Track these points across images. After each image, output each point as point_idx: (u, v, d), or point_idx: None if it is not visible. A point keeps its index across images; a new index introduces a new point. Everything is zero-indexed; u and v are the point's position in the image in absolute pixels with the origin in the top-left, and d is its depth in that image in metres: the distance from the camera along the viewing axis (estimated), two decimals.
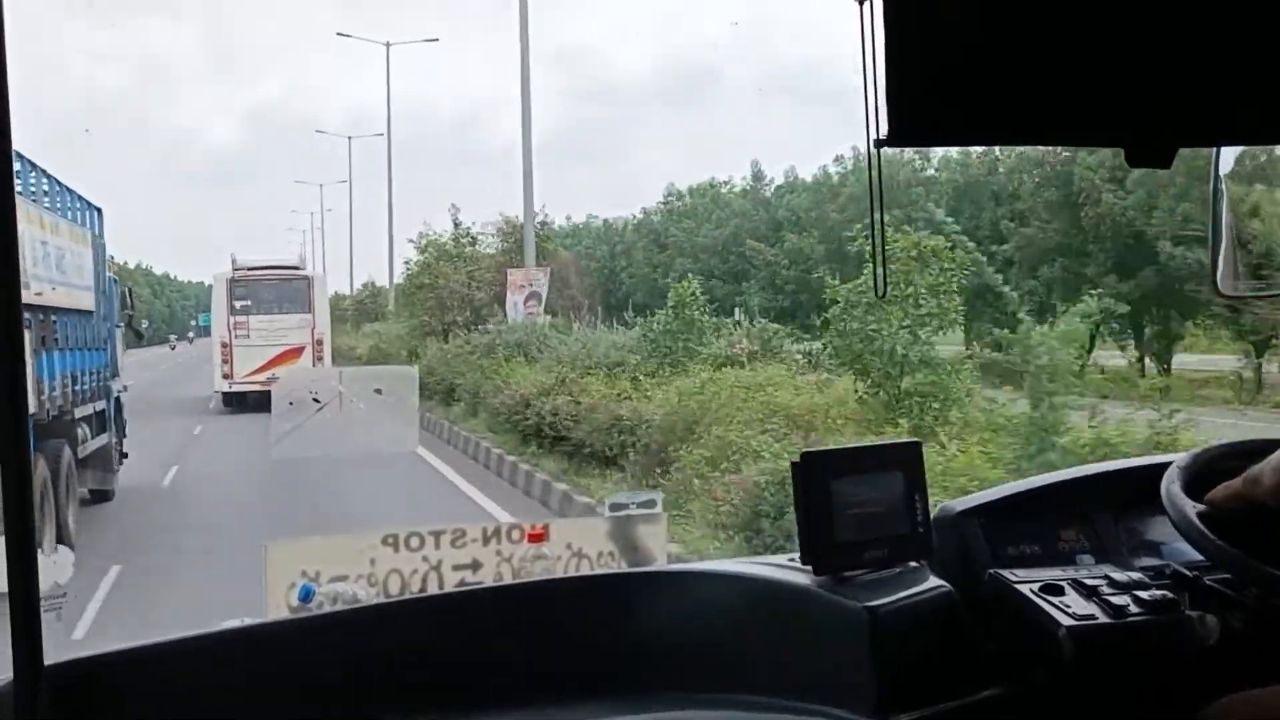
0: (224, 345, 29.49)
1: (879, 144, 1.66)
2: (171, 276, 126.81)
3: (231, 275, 30.70)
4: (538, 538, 2.79)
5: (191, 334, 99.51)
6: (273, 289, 30.21)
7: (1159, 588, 2.26)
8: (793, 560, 2.33)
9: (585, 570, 2.82)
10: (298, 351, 29.18)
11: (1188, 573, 2.28)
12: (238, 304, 29.87)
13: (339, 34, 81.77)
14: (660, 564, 2.81)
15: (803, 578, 2.28)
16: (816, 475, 2.26)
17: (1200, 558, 2.22)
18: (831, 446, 2.39)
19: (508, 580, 2.81)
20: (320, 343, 30.19)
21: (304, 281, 31.06)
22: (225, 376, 29.13)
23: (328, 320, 32.13)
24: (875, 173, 1.84)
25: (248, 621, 2.38)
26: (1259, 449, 2.39)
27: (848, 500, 2.26)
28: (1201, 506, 2.19)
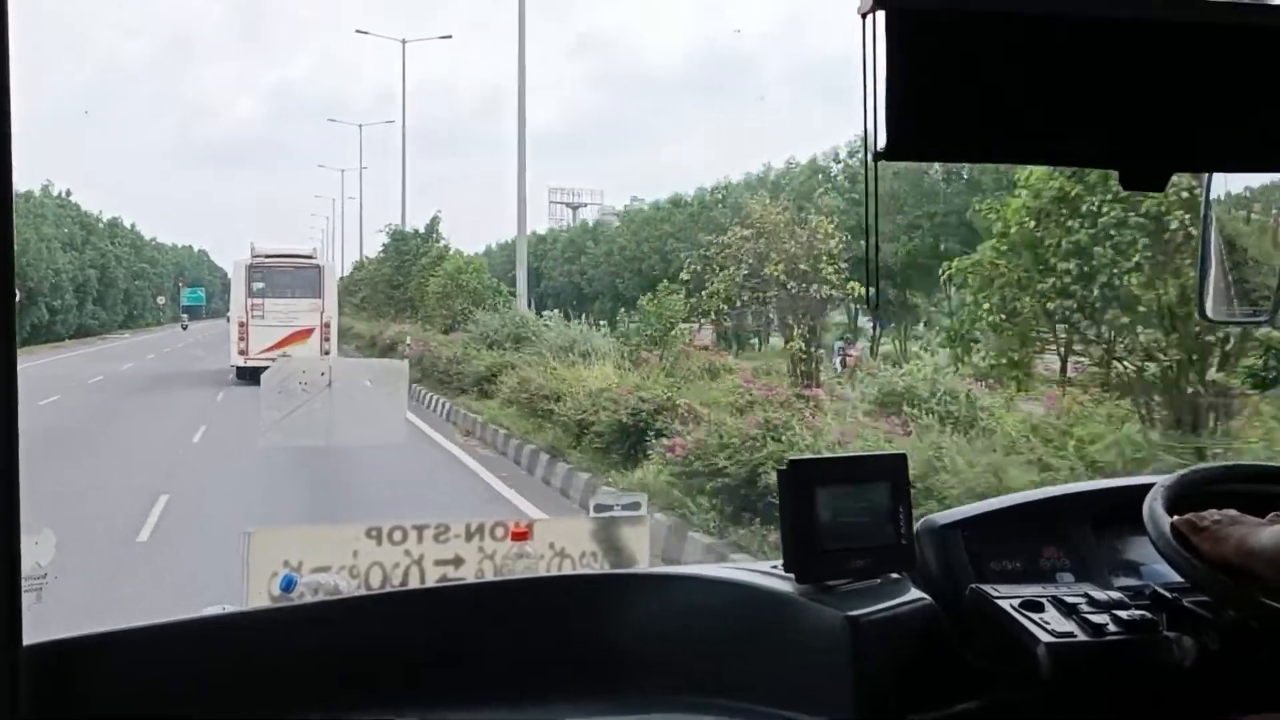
0: (241, 324, 30.24)
1: (877, 157, 1.57)
2: (127, 225, 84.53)
3: (250, 261, 31.40)
4: (521, 536, 2.65)
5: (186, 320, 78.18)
6: (287, 275, 31.01)
7: (1138, 608, 2.13)
8: (776, 567, 2.20)
9: (567, 570, 2.70)
10: (307, 333, 29.97)
11: (1167, 594, 2.15)
12: (255, 286, 30.66)
13: (358, 31, 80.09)
14: (642, 566, 2.68)
15: (785, 585, 2.15)
16: (803, 483, 2.13)
17: (1179, 579, 2.09)
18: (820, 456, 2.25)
19: (489, 577, 2.69)
20: (328, 325, 30.90)
21: (315, 270, 31.80)
22: (241, 353, 29.69)
23: (335, 305, 32.76)
24: (872, 185, 1.74)
25: (229, 609, 2.26)
26: (1245, 474, 2.28)
27: (833, 509, 2.13)
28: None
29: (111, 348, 55.60)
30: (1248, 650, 2.07)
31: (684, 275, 19.60)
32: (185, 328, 71.66)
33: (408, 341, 31.71)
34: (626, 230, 55.80)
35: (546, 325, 27.07)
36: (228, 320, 34.69)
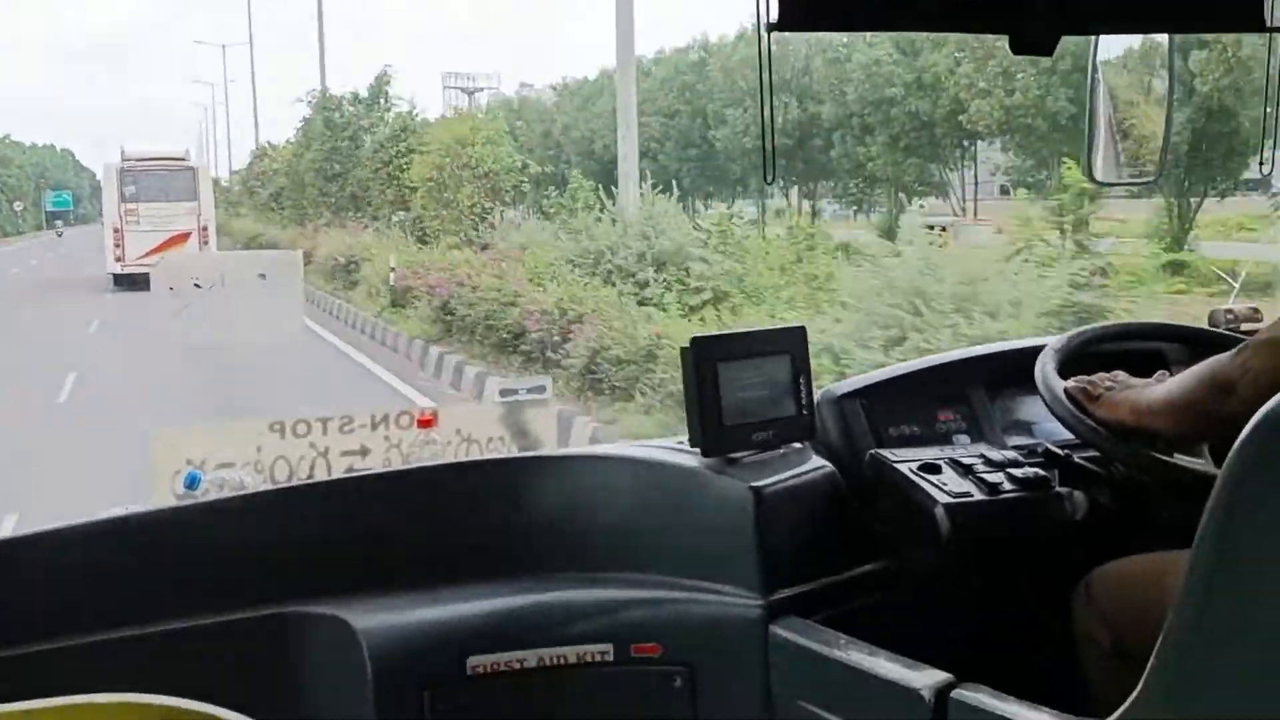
0: (116, 230, 29.74)
1: (770, 28, 1.56)
2: None
3: (121, 165, 30.84)
4: (427, 424, 2.64)
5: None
6: (159, 178, 30.50)
7: (1031, 466, 2.19)
8: (681, 443, 2.21)
9: (475, 455, 2.70)
10: (184, 236, 29.57)
11: (1059, 451, 2.22)
12: (127, 191, 30.13)
13: None
14: (550, 448, 2.69)
15: (691, 460, 2.16)
16: (705, 359, 2.14)
17: (1070, 437, 2.16)
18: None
19: (397, 466, 2.68)
20: (205, 229, 30.35)
21: (189, 172, 31.31)
22: (118, 259, 29.25)
23: (212, 208, 32.23)
24: (765, 57, 1.73)
25: (133, 509, 2.22)
26: (1128, 333, 2.35)
27: (735, 384, 2.14)
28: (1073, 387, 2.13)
29: None
30: (1137, 502, 2.15)
31: None
32: (60, 234, 63.45)
33: (392, 266, 19.63)
34: (569, 107, 47.22)
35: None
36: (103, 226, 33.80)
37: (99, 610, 2.00)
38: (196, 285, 2.67)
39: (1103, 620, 2.06)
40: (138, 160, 30.93)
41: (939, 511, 2.10)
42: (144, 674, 1.84)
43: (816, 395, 2.28)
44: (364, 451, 2.69)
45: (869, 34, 29.50)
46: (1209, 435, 2.00)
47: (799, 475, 2.16)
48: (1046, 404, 2.13)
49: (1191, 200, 22.90)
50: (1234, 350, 1.85)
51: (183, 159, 32.53)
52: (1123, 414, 2.04)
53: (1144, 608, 1.85)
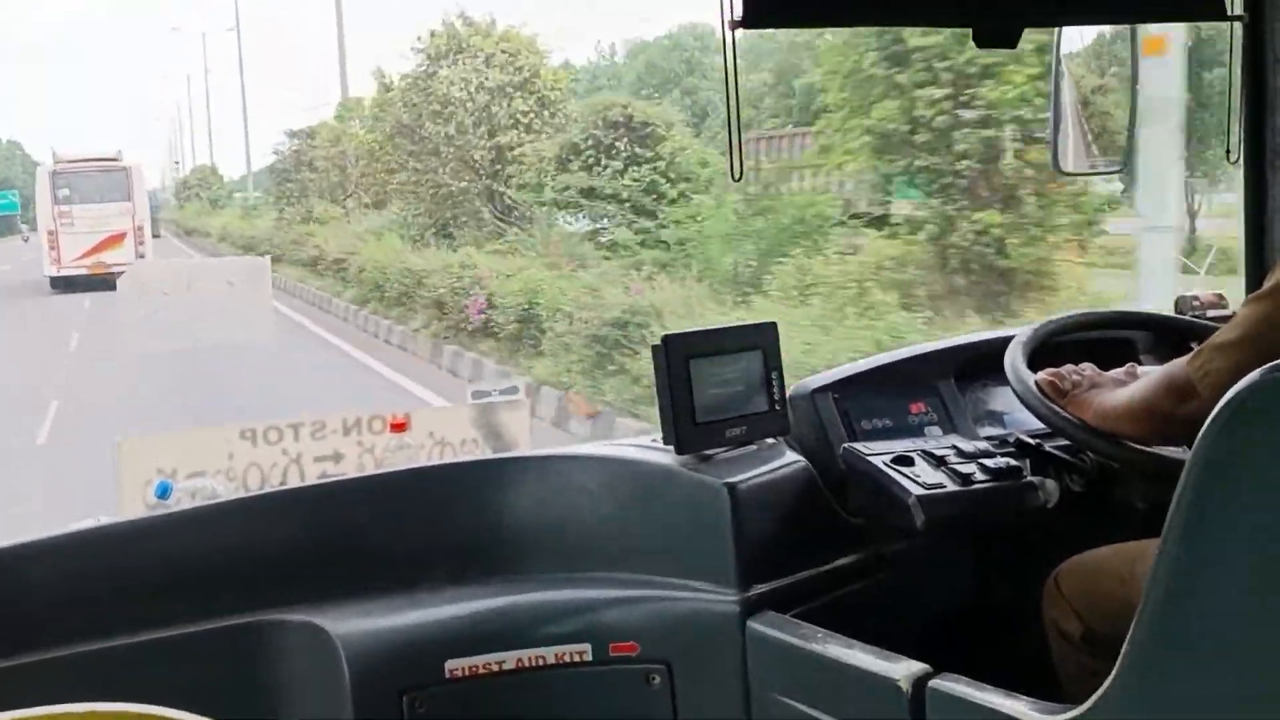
0: (50, 233, 29.46)
1: (734, 25, 1.58)
2: None
3: (53, 168, 30.61)
4: (400, 427, 2.63)
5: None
6: (92, 179, 30.30)
7: (1003, 455, 2.22)
8: (655, 441, 2.22)
9: (449, 458, 2.69)
10: (120, 237, 29.29)
11: (1029, 440, 2.25)
12: (60, 193, 29.78)
13: None
14: (524, 449, 2.69)
15: (665, 458, 2.17)
16: (677, 357, 2.15)
17: (1041, 426, 2.19)
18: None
19: (371, 471, 2.67)
20: (141, 229, 30.02)
21: (122, 172, 30.99)
22: (54, 262, 28.98)
23: (147, 208, 31.99)
24: (730, 55, 1.74)
25: (104, 521, 2.21)
26: (1093, 322, 2.39)
27: (707, 380, 2.15)
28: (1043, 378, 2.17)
29: None
30: (1108, 489, 2.19)
31: None
32: (26, 239, 62.33)
33: None
34: None
35: None
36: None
37: (73, 622, 1.99)
38: (164, 294, 2.65)
39: (1072, 611, 2.10)
40: (69, 162, 30.72)
41: (913, 503, 2.12)
42: (119, 686, 1.82)
43: (789, 390, 2.30)
44: (337, 457, 2.68)
45: None
46: (1171, 439, 2.04)
47: (773, 471, 2.17)
48: (1019, 396, 2.16)
49: None
50: (1190, 355, 1.89)
51: (115, 159, 32.34)
52: (1088, 416, 2.07)
53: (1112, 598, 1.89)
